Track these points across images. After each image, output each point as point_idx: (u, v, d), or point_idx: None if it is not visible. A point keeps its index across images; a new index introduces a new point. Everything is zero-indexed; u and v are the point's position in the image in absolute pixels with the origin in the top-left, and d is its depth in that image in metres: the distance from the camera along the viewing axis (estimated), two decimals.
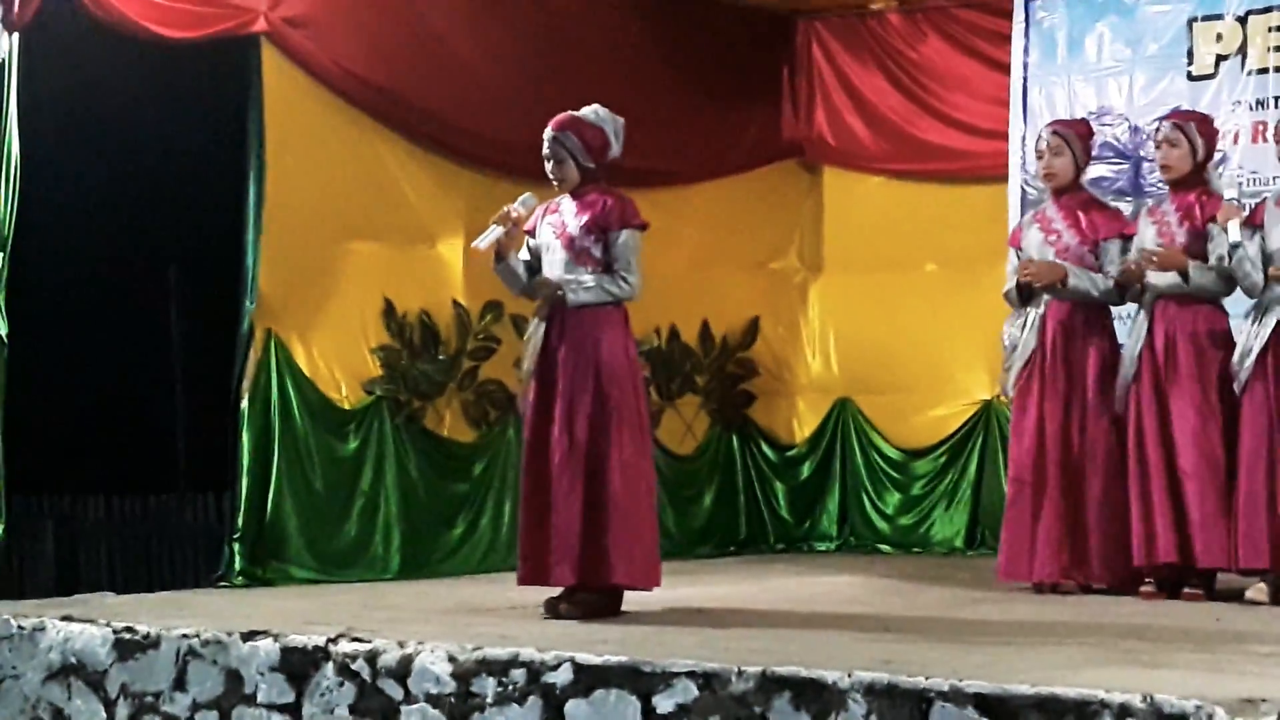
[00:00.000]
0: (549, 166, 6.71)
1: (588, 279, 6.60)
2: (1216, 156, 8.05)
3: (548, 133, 6.70)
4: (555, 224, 6.72)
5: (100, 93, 8.92)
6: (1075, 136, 7.64)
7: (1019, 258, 7.69)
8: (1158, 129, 7.41)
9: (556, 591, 6.55)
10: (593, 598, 6.49)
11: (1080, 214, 7.58)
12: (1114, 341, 7.52)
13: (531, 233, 6.80)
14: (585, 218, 6.64)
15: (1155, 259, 7.18)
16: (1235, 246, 6.93)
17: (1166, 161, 7.33)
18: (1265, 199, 7.23)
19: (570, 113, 6.73)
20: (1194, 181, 7.33)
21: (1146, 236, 7.34)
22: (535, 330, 6.67)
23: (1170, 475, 7.13)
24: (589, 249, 6.63)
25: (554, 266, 6.66)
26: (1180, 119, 7.41)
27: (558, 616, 6.44)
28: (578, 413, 6.51)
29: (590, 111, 6.73)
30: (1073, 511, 7.38)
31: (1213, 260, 7.12)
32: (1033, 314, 7.54)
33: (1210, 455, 7.08)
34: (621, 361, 6.61)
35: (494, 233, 6.65)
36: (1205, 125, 7.40)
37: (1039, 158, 7.69)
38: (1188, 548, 7.06)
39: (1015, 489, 7.55)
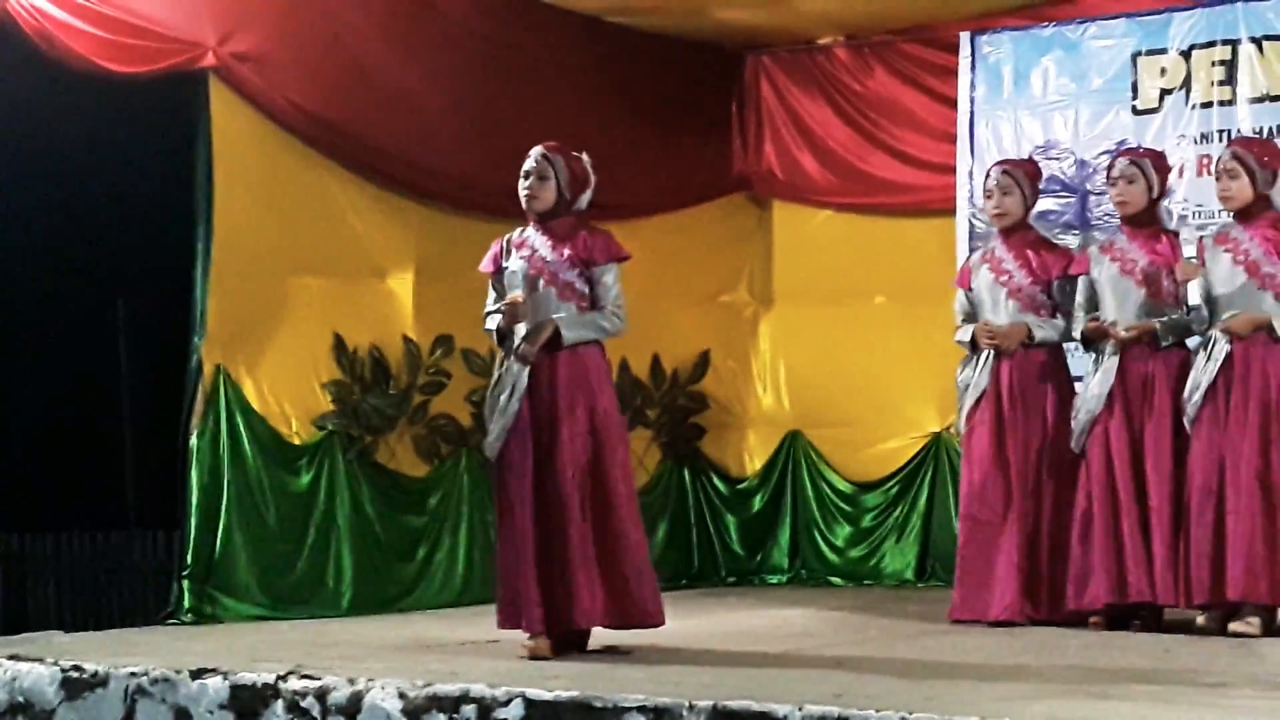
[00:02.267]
0: (527, 183, 6.55)
1: (581, 316, 6.49)
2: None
3: (536, 151, 6.58)
4: (528, 257, 6.55)
5: (47, 127, 8.88)
6: (1024, 176, 7.70)
7: (968, 299, 7.74)
8: (1112, 165, 7.45)
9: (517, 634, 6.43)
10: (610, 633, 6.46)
11: (1030, 253, 7.62)
12: (1070, 378, 7.56)
13: (496, 270, 6.66)
14: (566, 250, 6.52)
15: (1131, 331, 7.20)
16: (1194, 309, 7.02)
17: (1124, 198, 7.35)
18: (1201, 238, 7.28)
19: (558, 142, 6.64)
20: (1148, 218, 7.38)
21: (1106, 274, 7.35)
22: (518, 373, 6.46)
23: (1142, 514, 7.14)
24: (573, 283, 6.52)
25: (532, 301, 6.47)
26: (1136, 155, 7.46)
27: (539, 657, 6.30)
28: (578, 456, 6.38)
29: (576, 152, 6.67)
30: (1031, 548, 7.40)
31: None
32: (985, 353, 7.57)
33: (1178, 493, 7.10)
34: (610, 400, 6.54)
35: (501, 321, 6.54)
36: (1160, 161, 7.46)
37: (988, 197, 7.73)
38: (1153, 586, 7.08)
39: (968, 526, 7.57)
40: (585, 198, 6.67)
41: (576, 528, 6.37)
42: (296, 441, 8.27)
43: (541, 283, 6.50)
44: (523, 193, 6.60)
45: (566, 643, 6.44)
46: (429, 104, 8.76)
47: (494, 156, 8.83)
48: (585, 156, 6.67)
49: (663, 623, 6.51)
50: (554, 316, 6.47)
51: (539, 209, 6.59)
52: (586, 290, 6.55)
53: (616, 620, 6.43)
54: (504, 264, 6.65)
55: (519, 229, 6.71)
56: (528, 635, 6.40)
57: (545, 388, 6.46)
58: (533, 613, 6.37)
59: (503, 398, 6.49)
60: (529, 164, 6.59)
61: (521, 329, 6.49)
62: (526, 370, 6.46)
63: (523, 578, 6.38)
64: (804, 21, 9.77)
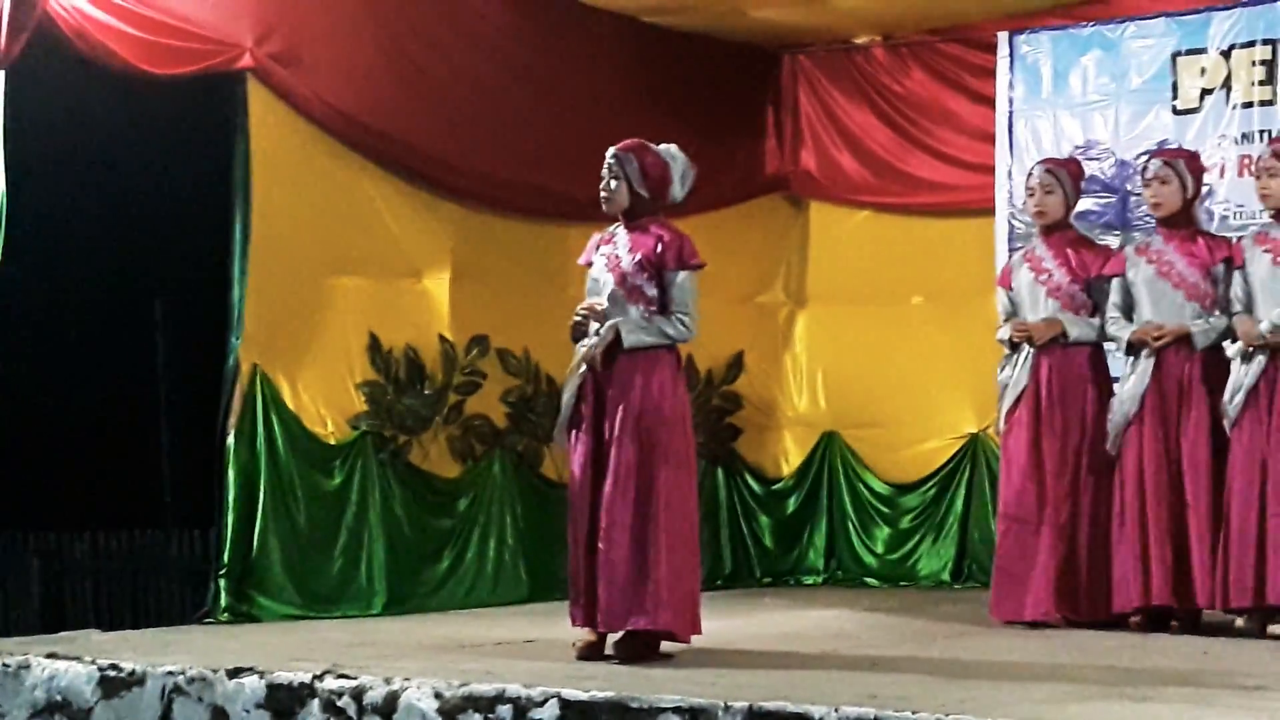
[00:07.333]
0: (602, 185, 6.55)
1: (645, 321, 6.43)
2: (1202, 190, 8.09)
3: (609, 151, 6.56)
4: (609, 255, 6.54)
5: (87, 128, 8.92)
6: (1067, 175, 7.68)
7: (1009, 298, 7.70)
8: (1145, 167, 7.44)
9: (581, 632, 6.42)
10: (640, 642, 6.34)
11: (1070, 252, 7.60)
12: (1109, 379, 7.52)
13: (589, 264, 6.65)
14: (639, 254, 6.48)
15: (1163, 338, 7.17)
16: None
17: (1157, 199, 7.34)
18: (1242, 238, 7.27)
19: (638, 140, 6.62)
20: (1184, 219, 7.35)
21: (1143, 274, 7.33)
22: (579, 371, 6.46)
23: (1174, 516, 7.12)
24: (641, 286, 6.47)
25: (604, 301, 6.48)
26: (1169, 156, 7.45)
27: (592, 659, 6.28)
28: (623, 456, 6.33)
29: (662, 146, 6.62)
30: (1068, 549, 7.37)
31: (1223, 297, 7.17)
32: (1025, 352, 7.53)
33: (1216, 496, 7.07)
34: (669, 404, 6.44)
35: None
36: (1194, 162, 7.44)
37: (1030, 195, 7.71)
38: (1189, 588, 7.06)
39: (1005, 526, 7.54)
40: (674, 191, 6.61)
41: (607, 529, 6.33)
42: (331, 442, 8.28)
43: (612, 283, 6.49)
44: (600, 195, 6.59)
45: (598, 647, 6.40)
46: (465, 104, 8.77)
47: (530, 157, 8.87)
48: (669, 148, 6.62)
49: (684, 638, 6.41)
50: (618, 320, 6.44)
51: (614, 210, 6.58)
52: (655, 294, 6.49)
53: (625, 623, 6.33)
54: (592, 259, 6.64)
55: (616, 224, 6.66)
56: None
57: (605, 389, 6.44)
58: (576, 609, 6.41)
59: (565, 395, 6.53)
60: (604, 166, 6.57)
61: (593, 328, 6.49)
62: (584, 368, 6.46)
63: (578, 574, 6.40)
64: (841, 21, 9.75)
